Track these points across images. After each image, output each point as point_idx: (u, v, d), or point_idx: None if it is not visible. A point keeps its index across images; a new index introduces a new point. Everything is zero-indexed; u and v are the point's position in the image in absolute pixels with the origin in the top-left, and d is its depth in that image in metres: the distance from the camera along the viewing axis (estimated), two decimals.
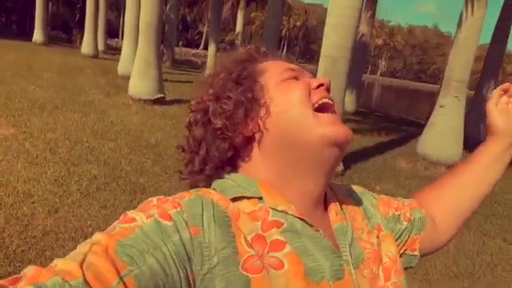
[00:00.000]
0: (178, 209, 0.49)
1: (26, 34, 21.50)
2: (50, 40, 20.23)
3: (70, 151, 4.54)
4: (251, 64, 0.63)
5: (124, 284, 0.40)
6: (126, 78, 8.90)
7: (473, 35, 6.21)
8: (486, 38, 9.67)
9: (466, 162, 0.80)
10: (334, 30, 4.71)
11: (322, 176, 0.58)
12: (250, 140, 0.58)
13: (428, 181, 5.73)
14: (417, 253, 0.71)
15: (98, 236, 0.44)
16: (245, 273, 0.48)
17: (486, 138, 0.80)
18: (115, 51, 19.93)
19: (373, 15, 12.50)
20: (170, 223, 0.47)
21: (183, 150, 0.63)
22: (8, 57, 12.17)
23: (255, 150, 0.58)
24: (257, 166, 0.58)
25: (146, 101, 7.98)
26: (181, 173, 0.63)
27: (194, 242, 0.46)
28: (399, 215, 0.72)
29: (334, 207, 0.62)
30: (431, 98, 6.77)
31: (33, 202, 3.18)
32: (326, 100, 0.59)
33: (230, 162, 0.60)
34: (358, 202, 0.68)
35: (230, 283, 0.47)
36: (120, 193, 3.64)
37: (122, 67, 11.33)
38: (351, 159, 5.96)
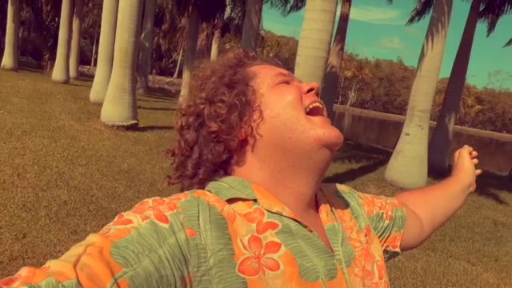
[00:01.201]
0: (175, 210, 0.49)
1: None
2: (20, 65, 19.82)
3: (38, 176, 4.43)
4: (241, 68, 0.63)
5: (118, 286, 0.40)
6: (98, 104, 8.83)
7: (433, 67, 6.66)
8: (448, 73, 10.34)
9: (441, 185, 0.94)
10: (305, 60, 4.95)
11: (314, 177, 0.59)
12: (243, 143, 0.59)
13: None
14: (398, 249, 0.76)
15: (92, 237, 0.44)
16: (241, 275, 0.48)
17: (453, 174, 0.96)
18: (86, 78, 19.73)
19: (342, 48, 13.10)
20: (166, 225, 0.46)
21: (173, 154, 0.63)
22: None
23: (249, 153, 0.59)
24: (250, 169, 0.59)
25: (119, 127, 7.92)
26: (169, 177, 0.63)
27: (190, 244, 0.46)
28: (382, 213, 0.76)
29: (324, 208, 0.64)
30: (398, 128, 7.13)
31: None
32: (317, 104, 0.60)
33: (223, 166, 0.60)
34: (345, 202, 0.71)
35: (226, 285, 0.47)
36: (91, 218, 3.57)
37: (94, 93, 11.21)
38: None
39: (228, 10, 20.59)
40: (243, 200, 0.55)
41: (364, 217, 0.71)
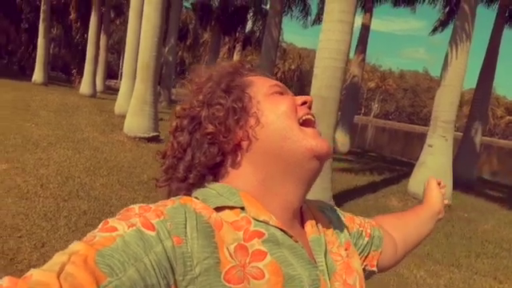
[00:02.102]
0: (162, 218, 0.48)
1: (27, 75, 21.99)
2: (50, 80, 20.66)
3: (61, 187, 4.55)
4: (238, 76, 0.64)
5: None
6: (122, 117, 9.06)
7: (457, 77, 6.49)
8: (475, 83, 10.03)
9: (412, 211, 0.98)
10: (323, 71, 4.91)
11: (303, 187, 0.60)
12: (237, 148, 0.59)
13: None
14: (375, 268, 0.78)
15: (76, 245, 0.43)
16: (226, 283, 0.47)
17: (423, 202, 1.00)
18: (113, 91, 20.33)
19: (363, 59, 13.00)
20: (152, 233, 0.46)
21: (163, 156, 0.63)
22: (7, 95, 12.38)
23: (242, 158, 0.59)
24: (241, 175, 0.59)
25: (140, 138, 8.08)
26: (157, 180, 0.62)
27: (176, 252, 0.46)
28: (362, 231, 0.78)
29: (309, 220, 0.65)
30: (424, 140, 6.96)
31: (20, 236, 3.16)
32: (309, 116, 0.62)
33: (214, 171, 0.60)
34: (327, 217, 0.71)
35: None
36: None
37: (118, 106, 11.53)
38: (342, 197, 5.99)
39: (249, 24, 20.89)
40: (230, 208, 0.55)
41: (345, 232, 0.72)
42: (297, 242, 0.57)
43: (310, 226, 0.64)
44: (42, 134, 7.20)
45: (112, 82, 34.59)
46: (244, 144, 0.59)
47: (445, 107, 6.57)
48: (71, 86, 23.03)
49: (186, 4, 22.53)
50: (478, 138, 9.88)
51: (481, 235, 5.47)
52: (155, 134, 8.40)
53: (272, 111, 0.60)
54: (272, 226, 0.55)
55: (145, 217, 0.48)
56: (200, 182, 0.59)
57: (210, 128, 0.58)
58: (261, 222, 0.55)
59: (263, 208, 0.56)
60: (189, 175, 0.59)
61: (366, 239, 0.77)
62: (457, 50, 6.51)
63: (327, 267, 0.60)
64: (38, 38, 18.92)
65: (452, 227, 5.67)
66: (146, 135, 8.17)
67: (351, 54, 13.11)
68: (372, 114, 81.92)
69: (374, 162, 11.79)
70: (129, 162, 6.26)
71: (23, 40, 27.67)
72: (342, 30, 4.69)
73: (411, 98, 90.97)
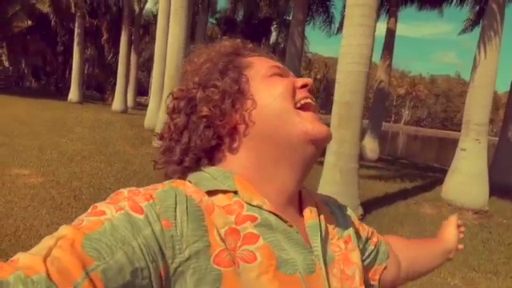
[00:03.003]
0: (151, 201, 0.48)
1: (63, 94, 23.12)
2: (85, 99, 21.62)
3: (93, 198, 4.71)
4: (237, 57, 0.63)
5: (90, 279, 0.39)
6: (151, 131, 9.33)
7: (488, 77, 6.25)
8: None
9: (425, 241, 1.00)
10: (346, 76, 4.88)
11: (299, 173, 0.58)
12: (233, 131, 0.58)
13: None
14: (376, 283, 0.76)
15: (64, 229, 0.43)
16: (216, 266, 0.47)
17: (438, 237, 0.99)
18: (143, 107, 20.98)
19: (390, 64, 12.78)
20: (141, 216, 0.46)
21: (161, 138, 0.62)
22: (44, 114, 13.04)
23: (237, 142, 0.58)
24: (237, 159, 0.58)
25: None
26: (156, 162, 0.62)
27: (165, 235, 0.46)
28: (368, 239, 0.77)
29: (308, 205, 0.63)
30: (457, 145, 6.74)
31: None
32: (308, 100, 0.60)
33: (210, 155, 0.59)
34: (332, 210, 0.70)
35: (201, 277, 0.46)
36: None
37: (148, 120, 11.89)
38: (372, 204, 5.85)
39: (274, 36, 21.07)
40: (223, 192, 0.54)
41: (349, 230, 0.69)
42: (291, 226, 0.56)
43: (308, 211, 0.62)
44: (77, 149, 7.51)
45: (142, 99, 35.71)
46: (240, 127, 0.58)
47: (476, 109, 6.33)
48: (104, 103, 23.97)
49: (211, 20, 23.05)
50: None
51: None
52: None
53: (269, 93, 0.58)
54: (265, 210, 0.54)
55: (134, 200, 0.47)
56: (195, 166, 0.59)
57: (205, 111, 0.57)
58: (254, 206, 0.54)
59: (257, 192, 0.56)
60: (185, 158, 0.58)
61: (372, 247, 0.76)
62: (485, 50, 6.29)
63: (325, 254, 0.59)
64: (72, 59, 19.92)
65: (490, 233, 5.40)
66: None
67: (377, 59, 12.96)
68: (403, 122, 79.85)
69: (406, 169, 11.45)
70: (157, 174, 6.36)
71: (59, 62, 29.20)
72: (363, 33, 4.66)
73: (444, 104, 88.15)
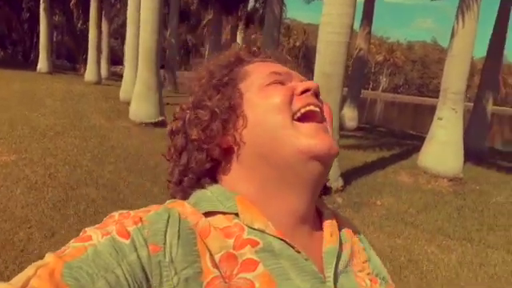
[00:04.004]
0: (139, 225, 0.45)
1: (32, 64, 22.01)
2: (55, 69, 20.66)
3: (69, 175, 4.58)
4: (237, 67, 0.59)
5: None
6: (128, 103, 9.03)
7: (466, 47, 6.27)
8: (485, 52, 9.73)
9: None
10: (326, 46, 4.79)
11: (306, 192, 0.53)
12: (228, 151, 0.55)
13: (430, 194, 5.71)
14: None
15: (47, 257, 0.41)
16: None
17: None
18: (118, 77, 20.29)
19: (369, 32, 12.66)
20: (126, 241, 0.43)
21: (168, 160, 0.62)
22: (13, 86, 12.42)
23: (234, 162, 0.55)
24: (237, 179, 0.55)
25: (146, 124, 8.07)
26: (169, 182, 0.61)
27: (152, 261, 0.43)
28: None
29: (329, 227, 0.57)
30: (434, 112, 6.83)
31: (30, 227, 3.20)
32: (310, 108, 0.54)
33: (210, 174, 0.57)
34: (363, 242, 0.63)
35: None
36: None
37: (123, 92, 11.50)
38: (351, 175, 5.93)
39: (251, 1, 20.46)
40: (223, 213, 0.51)
41: (376, 265, 0.61)
42: (299, 252, 0.50)
43: (328, 234, 0.56)
44: (49, 124, 7.23)
45: (117, 68, 34.46)
46: (235, 147, 0.54)
47: (454, 78, 6.38)
48: (76, 73, 23.05)
49: None
50: (489, 108, 9.66)
51: (493, 207, 5.40)
52: (161, 118, 8.37)
53: (261, 107, 0.53)
54: (269, 234, 0.50)
55: (122, 224, 0.45)
56: (196, 185, 0.56)
57: (194, 134, 0.55)
58: (256, 229, 0.50)
59: (260, 214, 0.51)
60: (183, 179, 0.57)
61: None
62: (464, 19, 6.26)
63: (343, 285, 0.52)
64: (40, 26, 18.82)
65: (463, 200, 5.61)
66: (152, 120, 8.15)
67: (356, 27, 12.81)
68: (380, 89, 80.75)
69: (384, 138, 11.65)
70: (135, 148, 6.27)
71: (26, 29, 27.60)
72: (344, 2, 4.53)
73: (420, 70, 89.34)
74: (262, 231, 0.50)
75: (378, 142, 10.07)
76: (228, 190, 0.54)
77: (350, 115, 12.34)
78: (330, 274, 0.51)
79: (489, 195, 5.96)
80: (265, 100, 0.54)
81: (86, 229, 0.46)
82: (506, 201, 5.79)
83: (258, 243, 0.49)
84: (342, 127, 8.48)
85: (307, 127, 0.53)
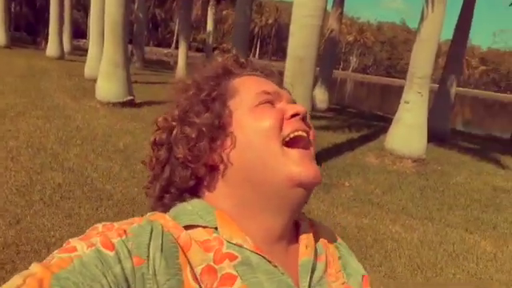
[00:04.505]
0: (123, 237, 0.46)
1: None
2: (14, 42, 19.47)
3: (32, 159, 4.40)
4: (225, 79, 0.58)
5: None
6: (93, 81, 8.67)
7: (434, 31, 6.42)
8: (451, 34, 10.00)
9: None
10: (299, 29, 4.76)
11: (286, 214, 0.55)
12: (214, 168, 0.55)
13: (395, 175, 5.93)
14: None
15: (34, 267, 0.42)
16: None
17: None
18: (82, 52, 19.39)
19: (341, 13, 12.69)
20: (111, 253, 0.44)
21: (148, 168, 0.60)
22: None
23: (218, 180, 0.55)
24: (219, 195, 0.55)
25: (114, 104, 7.81)
26: (148, 188, 0.60)
27: (136, 273, 0.44)
28: None
29: (305, 240, 0.59)
30: (401, 93, 7.04)
31: None
32: (299, 133, 0.54)
33: (193, 189, 0.57)
34: (340, 250, 0.65)
35: None
36: (85, 201, 3.56)
37: (88, 69, 11.03)
38: (321, 156, 6.05)
39: None
40: (203, 226, 0.52)
41: (355, 279, 0.62)
42: (276, 266, 0.52)
43: (304, 246, 0.58)
44: (9, 103, 6.86)
45: (81, 42, 32.85)
46: (221, 165, 0.54)
47: (421, 63, 6.55)
48: (37, 47, 21.82)
49: None
50: (453, 90, 10.02)
51: (453, 187, 5.70)
52: (129, 98, 8.13)
53: (251, 130, 0.53)
54: (247, 249, 0.51)
55: (106, 236, 0.46)
56: (177, 199, 0.56)
57: (180, 152, 0.54)
58: (234, 244, 0.51)
59: (239, 230, 0.52)
60: (165, 195, 0.57)
61: None
62: (433, 3, 6.38)
63: None
64: None
65: (426, 181, 5.87)
66: (120, 100, 7.89)
67: (329, 7, 12.79)
68: (350, 69, 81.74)
69: (353, 119, 11.90)
70: (103, 130, 6.08)
71: None
72: None
73: (388, 51, 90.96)
74: (241, 246, 0.51)
75: (348, 123, 10.29)
76: (209, 204, 0.54)
77: (321, 97, 12.47)
78: (305, 286, 0.54)
79: (449, 176, 6.27)
80: (255, 122, 0.54)
81: (70, 240, 0.46)
82: (464, 181, 6.12)
83: (236, 257, 0.50)
84: (313, 108, 8.56)
85: (295, 154, 0.53)
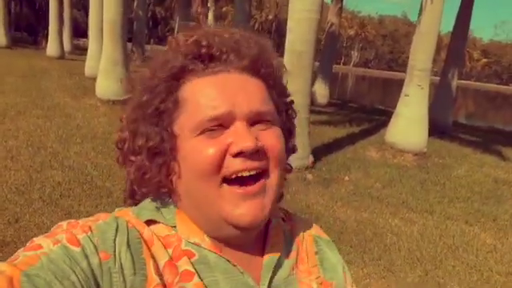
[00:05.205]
0: (89, 233, 0.47)
1: None
2: (15, 42, 19.50)
3: (32, 158, 4.41)
4: (179, 83, 0.52)
5: None
6: (94, 79, 8.68)
7: (433, 23, 6.38)
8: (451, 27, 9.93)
9: None
10: (297, 24, 4.74)
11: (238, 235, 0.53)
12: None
13: (395, 169, 5.91)
14: None
15: (1, 266, 0.41)
16: None
17: None
18: (82, 51, 19.40)
19: (341, 7, 12.61)
20: (78, 249, 0.45)
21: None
22: None
23: (171, 192, 0.54)
24: (180, 195, 0.53)
25: (114, 101, 7.80)
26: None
27: (103, 268, 0.45)
28: None
29: (273, 238, 0.58)
30: (403, 86, 7.00)
31: None
32: (242, 174, 0.49)
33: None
34: (318, 246, 0.63)
35: None
36: (85, 198, 3.57)
37: (88, 68, 11.04)
38: (321, 151, 6.04)
39: None
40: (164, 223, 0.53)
41: (335, 274, 0.61)
42: (235, 265, 0.52)
43: (270, 247, 0.57)
44: (10, 103, 6.88)
45: (81, 41, 32.83)
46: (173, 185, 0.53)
47: (421, 56, 6.51)
48: (37, 47, 21.85)
49: None
50: (455, 83, 9.96)
51: (454, 180, 5.68)
52: (130, 95, 8.12)
53: (190, 166, 0.50)
54: (204, 248, 0.52)
55: (71, 232, 0.46)
56: (148, 197, 0.56)
57: (131, 173, 0.54)
58: (192, 243, 0.52)
59: (197, 229, 0.53)
60: (136, 194, 0.56)
61: None
62: None
63: None
64: None
65: (427, 174, 5.86)
66: (120, 98, 7.89)
67: (328, 1, 12.72)
68: (352, 63, 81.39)
69: (354, 113, 11.85)
70: (103, 128, 6.09)
71: None
72: None
73: (390, 45, 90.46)
74: (198, 245, 0.52)
75: (349, 118, 10.25)
76: (172, 201, 0.55)
77: (322, 92, 12.42)
78: (264, 285, 0.53)
79: (451, 168, 6.25)
80: (193, 156, 0.50)
81: (34, 239, 0.46)
82: (466, 174, 6.09)
83: (194, 255, 0.51)
84: (313, 103, 8.53)
85: (233, 195, 0.50)
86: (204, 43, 0.52)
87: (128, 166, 0.55)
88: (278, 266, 0.56)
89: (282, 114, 0.57)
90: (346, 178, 5.25)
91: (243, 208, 0.50)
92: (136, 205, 0.56)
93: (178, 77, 0.52)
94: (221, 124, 0.50)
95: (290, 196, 4.19)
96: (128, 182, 0.56)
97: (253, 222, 0.50)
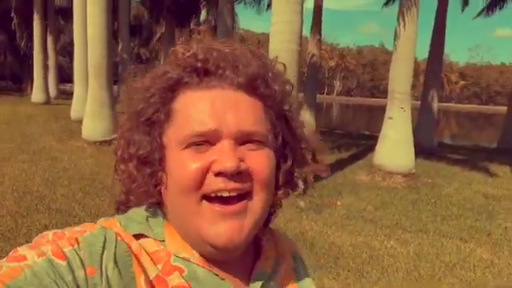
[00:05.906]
0: (75, 246, 0.45)
1: None
2: None
3: (18, 203, 4.31)
4: (173, 95, 0.52)
5: None
6: (80, 122, 8.68)
7: (408, 48, 6.63)
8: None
9: None
10: (278, 55, 4.87)
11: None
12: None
13: (386, 191, 5.93)
14: None
15: None
16: None
17: None
18: (69, 95, 19.48)
19: (320, 39, 13.06)
20: (63, 262, 0.43)
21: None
22: None
23: (163, 195, 0.53)
24: (166, 207, 0.54)
25: (101, 142, 7.77)
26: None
27: (89, 283, 0.44)
28: None
29: (267, 253, 0.59)
30: (385, 111, 7.18)
31: None
32: (222, 194, 0.48)
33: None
34: (296, 267, 0.64)
35: None
36: None
37: (74, 111, 11.06)
38: (313, 177, 6.04)
39: (204, 13, 20.47)
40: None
41: None
42: (223, 279, 0.52)
43: (259, 263, 0.57)
44: None
45: (67, 86, 33.04)
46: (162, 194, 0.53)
47: (399, 79, 6.72)
48: (22, 94, 21.87)
49: None
50: (435, 105, 10.25)
51: (445, 199, 5.71)
52: (116, 135, 8.10)
53: (174, 179, 0.50)
54: (193, 263, 0.51)
55: (57, 245, 0.45)
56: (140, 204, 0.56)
57: (123, 186, 0.55)
58: (181, 258, 0.51)
59: (186, 244, 0.52)
60: (129, 201, 0.56)
61: None
62: (405, 21, 6.62)
63: None
64: None
65: (417, 194, 5.88)
66: (107, 138, 7.86)
67: (308, 34, 13.18)
68: (335, 93, 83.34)
69: (341, 139, 11.98)
70: (91, 169, 6.02)
71: None
72: (291, 10, 4.66)
73: (370, 73, 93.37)
74: (188, 260, 0.51)
75: (336, 144, 10.35)
76: (161, 213, 0.54)
77: (307, 120, 12.42)
78: None
79: (440, 187, 6.30)
80: (176, 169, 0.50)
81: (18, 248, 0.44)
82: (456, 191, 6.14)
83: (183, 271, 0.50)
84: None
85: (212, 213, 0.49)
86: (200, 57, 0.51)
87: (120, 174, 0.55)
88: (267, 280, 0.56)
89: (278, 136, 0.55)
90: (339, 202, 5.23)
91: (220, 227, 0.48)
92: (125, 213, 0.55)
93: (173, 88, 0.52)
94: (207, 140, 0.49)
95: (284, 224, 4.14)
96: (121, 189, 0.56)
97: (227, 243, 0.49)
